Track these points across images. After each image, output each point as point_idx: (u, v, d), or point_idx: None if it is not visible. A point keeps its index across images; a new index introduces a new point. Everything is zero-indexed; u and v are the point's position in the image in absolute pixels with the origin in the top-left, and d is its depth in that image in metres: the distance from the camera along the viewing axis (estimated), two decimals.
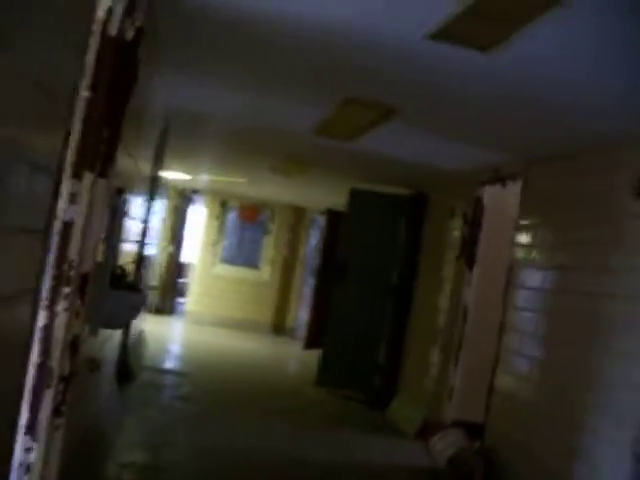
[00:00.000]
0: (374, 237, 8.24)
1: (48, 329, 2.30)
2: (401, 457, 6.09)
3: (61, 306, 2.34)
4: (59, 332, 2.35)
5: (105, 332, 3.59)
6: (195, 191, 13.56)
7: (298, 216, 13.85)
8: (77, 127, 2.22)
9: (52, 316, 2.31)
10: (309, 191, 10.58)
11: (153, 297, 11.60)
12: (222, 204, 13.86)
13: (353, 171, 7.81)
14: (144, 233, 5.71)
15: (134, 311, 3.56)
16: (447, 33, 2.93)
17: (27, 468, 2.33)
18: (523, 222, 5.50)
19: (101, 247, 2.88)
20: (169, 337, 11.45)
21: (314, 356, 9.33)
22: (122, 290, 3.31)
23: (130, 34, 2.56)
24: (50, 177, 1.96)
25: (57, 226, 2.21)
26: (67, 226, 2.28)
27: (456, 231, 6.74)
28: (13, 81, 1.48)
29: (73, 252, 2.35)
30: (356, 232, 8.35)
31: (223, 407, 6.90)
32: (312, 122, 5.27)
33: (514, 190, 5.69)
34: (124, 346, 5.85)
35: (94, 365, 3.26)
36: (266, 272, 13.80)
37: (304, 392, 8.25)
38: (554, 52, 3.03)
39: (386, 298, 8.08)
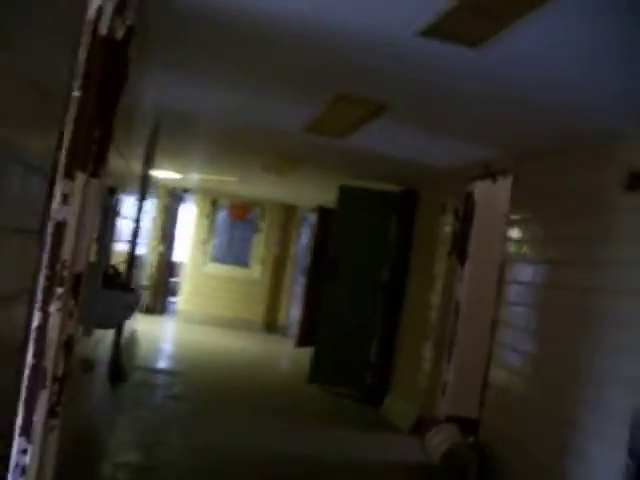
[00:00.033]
0: (365, 234, 8.24)
1: (42, 330, 2.29)
2: (396, 453, 6.11)
3: (54, 307, 2.33)
4: (53, 333, 2.34)
5: (98, 332, 3.58)
6: (185, 190, 13.54)
7: (288, 214, 13.85)
8: (69, 127, 2.21)
9: (45, 317, 2.30)
10: (300, 189, 10.58)
11: (144, 297, 11.57)
12: (212, 203, 13.85)
13: (344, 168, 7.81)
14: (135, 233, 5.70)
15: (128, 311, 3.56)
16: (437, 29, 2.93)
17: (22, 470, 2.32)
18: (514, 217, 5.52)
19: (94, 247, 2.88)
20: (161, 337, 11.43)
21: (306, 354, 9.34)
22: (115, 290, 3.31)
23: (120, 33, 2.55)
24: (44, 178, 1.96)
25: (50, 227, 2.21)
26: (60, 226, 2.27)
27: (447, 227, 6.76)
28: (10, 81, 1.47)
29: (66, 252, 2.34)
30: (347, 229, 8.35)
31: (216, 406, 6.90)
32: (303, 120, 5.27)
33: (505, 185, 5.71)
34: (117, 346, 5.83)
35: (88, 365, 3.26)
36: (257, 270, 13.80)
37: (297, 390, 8.26)
38: (544, 49, 3.04)
39: (377, 295, 8.10)
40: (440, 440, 5.55)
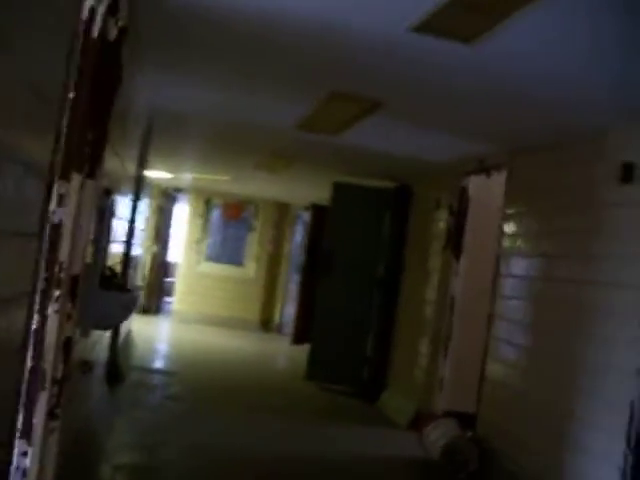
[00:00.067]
0: (359, 230, 8.25)
1: (40, 332, 2.29)
2: (394, 448, 6.12)
3: (52, 308, 2.33)
4: (51, 335, 2.34)
5: (95, 333, 3.57)
6: (178, 190, 13.52)
7: (282, 212, 13.84)
8: (64, 128, 2.21)
9: (43, 319, 2.30)
10: (293, 186, 10.58)
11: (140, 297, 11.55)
12: (206, 202, 13.83)
13: (337, 165, 7.81)
14: (130, 233, 5.69)
15: (126, 311, 3.55)
16: (430, 25, 2.93)
17: (23, 472, 2.32)
18: (508, 211, 5.54)
19: (90, 248, 2.87)
20: (156, 337, 11.42)
21: (302, 351, 9.34)
22: (112, 291, 3.30)
23: (113, 34, 2.55)
24: (42, 179, 1.95)
25: (46, 229, 2.20)
26: (56, 228, 2.27)
27: (442, 222, 6.77)
28: (9, 83, 1.47)
29: (63, 254, 2.34)
30: (341, 226, 8.35)
31: (213, 405, 6.89)
32: (296, 118, 5.27)
33: (499, 180, 5.73)
34: (113, 347, 5.82)
35: (87, 367, 3.25)
36: (251, 269, 13.79)
37: (294, 387, 8.26)
38: (537, 45, 3.06)
39: (373, 291, 8.11)
40: (438, 435, 5.56)
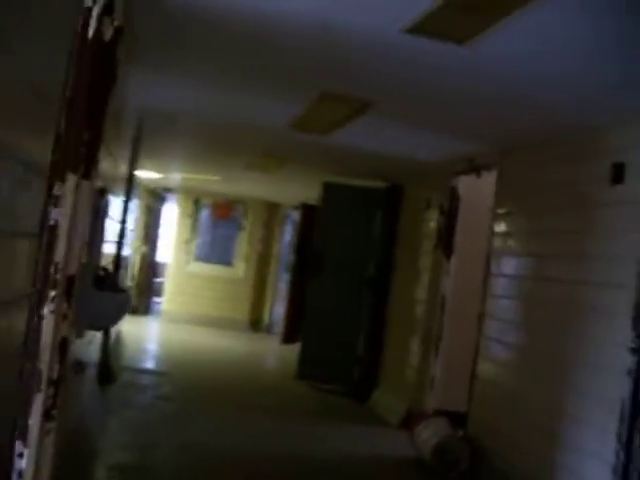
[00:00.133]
0: (349, 230, 8.26)
1: (36, 333, 2.28)
2: (385, 448, 6.14)
3: (48, 309, 2.32)
4: (47, 335, 2.33)
5: (88, 334, 3.57)
6: (167, 190, 13.48)
7: (271, 212, 13.84)
8: (60, 128, 2.20)
9: (39, 319, 2.30)
10: (283, 186, 10.58)
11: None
12: (195, 202, 13.80)
13: (327, 165, 7.82)
14: (122, 233, 5.68)
15: (120, 311, 3.55)
16: (424, 27, 2.95)
17: (19, 474, 2.31)
18: (499, 211, 5.56)
19: (85, 249, 2.87)
20: (146, 337, 11.40)
21: (292, 351, 9.34)
22: (106, 291, 3.30)
23: (109, 34, 2.54)
24: (43, 179, 1.95)
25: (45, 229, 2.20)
26: (52, 229, 2.26)
27: (432, 222, 6.80)
28: (10, 83, 1.47)
29: (59, 255, 2.34)
30: (331, 226, 8.36)
31: (203, 405, 6.89)
32: (288, 118, 5.27)
33: (489, 180, 5.75)
34: (105, 347, 5.81)
35: (80, 367, 3.25)
36: (240, 269, 13.78)
37: (284, 387, 8.27)
38: (530, 46, 3.08)
39: (363, 290, 8.12)
40: (429, 434, 5.58)
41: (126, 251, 7.51)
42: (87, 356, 3.95)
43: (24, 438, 2.30)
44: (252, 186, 11.19)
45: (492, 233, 5.59)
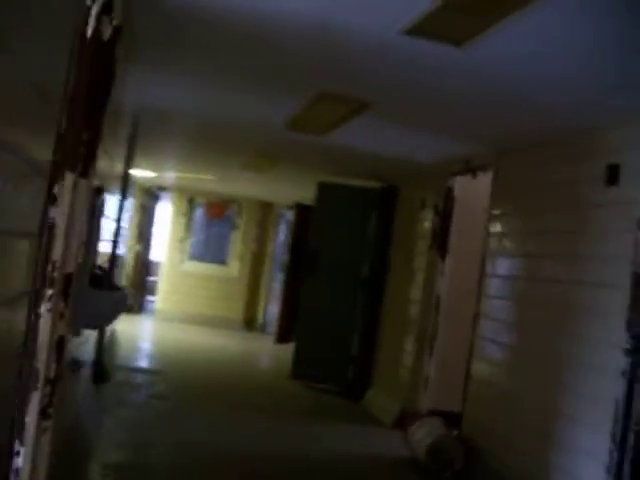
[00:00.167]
0: (344, 230, 8.26)
1: (33, 331, 2.28)
2: (380, 447, 6.14)
3: (45, 308, 2.32)
4: (44, 334, 2.33)
5: (85, 332, 3.57)
6: (161, 188, 13.46)
7: (266, 211, 13.84)
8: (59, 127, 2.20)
9: (36, 318, 2.30)
10: (277, 186, 10.58)
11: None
12: (189, 201, 13.79)
13: (323, 165, 7.83)
14: (117, 232, 5.67)
15: (116, 310, 3.55)
16: (422, 28, 2.95)
17: (16, 472, 2.31)
18: (495, 212, 5.58)
19: (82, 247, 2.86)
20: (140, 336, 11.38)
21: (286, 350, 9.34)
22: (103, 290, 3.29)
23: (108, 33, 2.54)
24: (43, 179, 1.95)
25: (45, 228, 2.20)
26: (50, 227, 2.26)
27: (427, 222, 6.81)
28: (11, 82, 1.47)
29: (56, 253, 2.34)
30: (326, 226, 8.37)
31: (197, 404, 6.89)
32: (284, 118, 5.28)
33: (484, 181, 5.77)
34: (100, 346, 5.81)
35: (77, 366, 3.24)
36: (235, 268, 13.77)
37: (278, 386, 8.27)
38: (528, 48, 3.09)
39: (357, 290, 8.13)
40: (423, 434, 5.59)
41: (121, 250, 7.50)
42: (83, 355, 3.94)
43: (20, 436, 2.30)
44: (246, 185, 11.18)
45: (487, 234, 5.61)
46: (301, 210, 11.21)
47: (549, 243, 4.75)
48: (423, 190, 7.05)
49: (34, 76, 1.76)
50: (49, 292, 2.33)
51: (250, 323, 13.58)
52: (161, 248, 14.19)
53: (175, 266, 13.64)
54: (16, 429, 2.26)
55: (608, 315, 3.90)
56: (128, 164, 6.19)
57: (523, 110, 4.17)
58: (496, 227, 5.54)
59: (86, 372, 4.92)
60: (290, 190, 10.78)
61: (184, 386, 7.71)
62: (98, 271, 3.48)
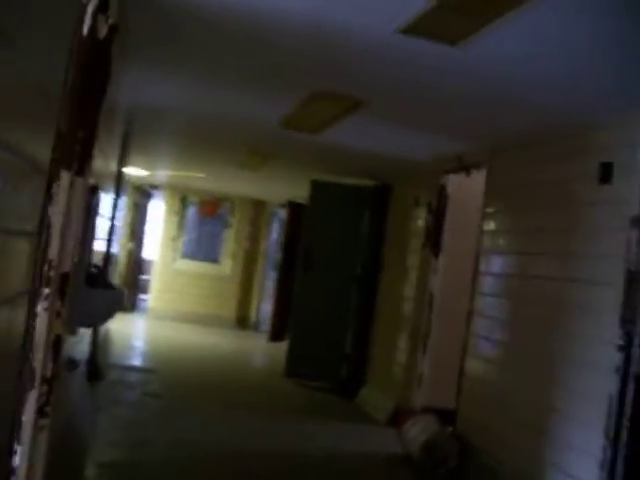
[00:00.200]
0: (338, 229, 8.28)
1: (30, 330, 2.28)
2: (374, 445, 6.16)
3: (41, 307, 2.32)
4: (41, 333, 2.33)
5: (79, 331, 3.57)
6: (154, 186, 13.44)
7: (258, 209, 13.83)
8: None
9: (33, 317, 2.30)
10: (270, 184, 10.58)
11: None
12: (182, 199, 13.77)
13: (316, 163, 7.83)
14: (111, 230, 5.67)
15: (112, 309, 3.55)
16: (418, 28, 2.96)
17: (12, 470, 2.31)
18: (488, 210, 5.60)
19: (78, 246, 2.86)
20: (133, 334, 11.36)
21: (279, 349, 9.34)
22: (99, 288, 3.29)
23: (103, 32, 2.54)
24: (42, 178, 1.95)
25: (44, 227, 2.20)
26: (46, 226, 2.26)
27: (421, 220, 6.83)
28: (13, 82, 1.47)
29: (52, 252, 2.34)
30: (319, 224, 8.38)
31: (191, 402, 6.89)
32: (278, 116, 5.28)
33: (478, 179, 5.79)
34: (94, 345, 5.80)
35: (73, 365, 3.25)
36: (227, 266, 13.76)
37: (272, 384, 8.28)
38: (523, 47, 3.10)
39: (351, 288, 8.14)
40: (418, 431, 5.61)
41: (115, 248, 7.49)
42: (78, 353, 3.94)
43: (17, 435, 2.30)
44: (239, 184, 11.18)
45: (481, 232, 5.63)
46: (294, 208, 11.21)
47: (542, 241, 4.77)
48: (416, 188, 7.07)
49: (34, 74, 1.76)
50: (46, 291, 2.33)
51: (243, 321, 13.58)
52: (153, 246, 14.17)
53: (168, 264, 13.62)
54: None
55: (601, 312, 3.93)
56: (122, 162, 6.18)
57: (517, 109, 4.19)
58: (489, 225, 5.56)
59: (81, 370, 4.92)
60: (283, 188, 10.78)
61: (177, 384, 7.71)
62: (94, 270, 3.48)
